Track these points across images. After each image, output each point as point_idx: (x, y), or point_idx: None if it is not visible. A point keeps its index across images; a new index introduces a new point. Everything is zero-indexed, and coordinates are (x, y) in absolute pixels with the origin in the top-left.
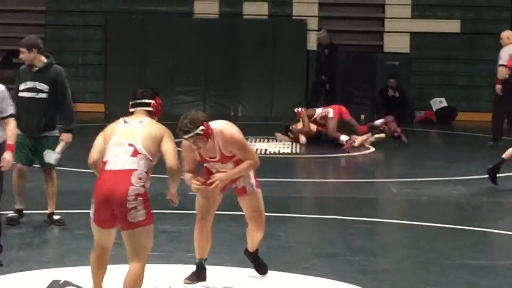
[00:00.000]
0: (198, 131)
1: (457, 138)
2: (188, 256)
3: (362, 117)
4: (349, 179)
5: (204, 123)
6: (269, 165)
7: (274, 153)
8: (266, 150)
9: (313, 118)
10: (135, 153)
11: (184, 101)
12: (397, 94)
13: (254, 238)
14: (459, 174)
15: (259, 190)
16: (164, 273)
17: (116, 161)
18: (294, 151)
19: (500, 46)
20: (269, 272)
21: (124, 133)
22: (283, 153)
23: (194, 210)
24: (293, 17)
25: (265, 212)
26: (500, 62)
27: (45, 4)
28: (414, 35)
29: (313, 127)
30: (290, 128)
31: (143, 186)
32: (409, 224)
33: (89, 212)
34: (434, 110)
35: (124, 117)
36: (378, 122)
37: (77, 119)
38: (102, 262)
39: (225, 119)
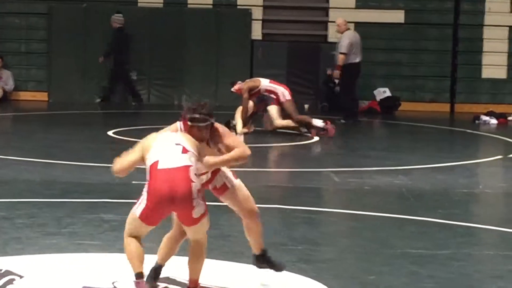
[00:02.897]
0: (213, 120)
1: (400, 128)
2: None
3: (306, 106)
4: (291, 169)
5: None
6: None
7: None
8: None
9: (258, 89)
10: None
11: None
12: (336, 77)
13: (254, 234)
14: (402, 164)
15: (238, 180)
16: (107, 263)
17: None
18: None
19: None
20: (213, 261)
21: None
22: None
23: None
24: (238, 7)
25: (207, 202)
26: (342, 50)
27: None
28: (358, 25)
29: (250, 104)
30: (233, 123)
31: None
32: (352, 214)
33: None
34: (378, 100)
35: None
36: (319, 124)
37: (19, 108)
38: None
39: (169, 109)
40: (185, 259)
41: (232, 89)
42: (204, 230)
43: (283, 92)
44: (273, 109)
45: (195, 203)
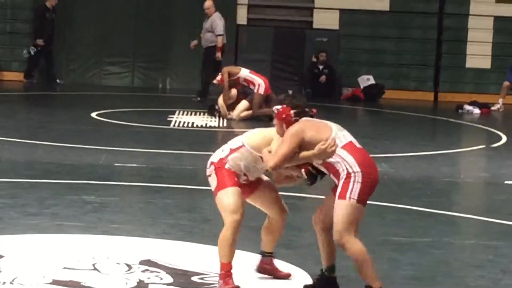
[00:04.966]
0: (273, 109)
1: (383, 116)
2: (112, 227)
3: (290, 92)
4: None
5: (283, 105)
6: (195, 138)
7: (201, 126)
8: (193, 123)
9: (236, 76)
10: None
11: (112, 72)
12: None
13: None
14: (384, 152)
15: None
16: (88, 244)
17: None
18: (221, 125)
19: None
20: (194, 244)
21: None
22: (210, 127)
23: (120, 181)
24: None
25: (191, 185)
26: (219, 32)
27: None
28: (343, 12)
29: (234, 92)
30: (217, 108)
31: (221, 158)
32: None
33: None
34: (362, 87)
35: None
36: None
37: (3, 88)
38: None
39: (154, 91)
40: (167, 242)
41: (215, 81)
42: (222, 208)
43: (260, 84)
44: (243, 104)
45: (208, 172)
